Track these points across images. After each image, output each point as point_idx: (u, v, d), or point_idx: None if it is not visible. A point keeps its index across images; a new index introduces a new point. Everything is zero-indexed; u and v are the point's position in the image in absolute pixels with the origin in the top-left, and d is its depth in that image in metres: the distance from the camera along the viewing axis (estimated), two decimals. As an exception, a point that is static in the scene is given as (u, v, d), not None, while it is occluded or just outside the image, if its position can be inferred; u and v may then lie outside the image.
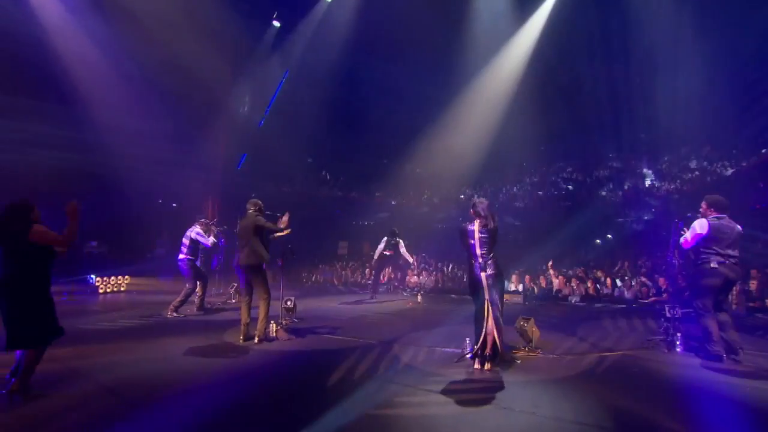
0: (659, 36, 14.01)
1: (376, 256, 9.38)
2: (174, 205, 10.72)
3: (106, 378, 3.76)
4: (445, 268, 12.75)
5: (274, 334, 5.36)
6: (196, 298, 7.23)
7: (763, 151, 9.89)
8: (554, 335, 5.49)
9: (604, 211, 17.59)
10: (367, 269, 12.28)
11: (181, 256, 7.04)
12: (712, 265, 4.17)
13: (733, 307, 7.01)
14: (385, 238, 9.26)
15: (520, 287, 10.25)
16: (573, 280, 9.74)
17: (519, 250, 16.49)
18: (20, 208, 3.25)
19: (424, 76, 16.89)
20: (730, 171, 11.06)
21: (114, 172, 8.96)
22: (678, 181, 15.08)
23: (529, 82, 17.41)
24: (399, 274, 12.16)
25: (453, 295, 10.19)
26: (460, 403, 3.24)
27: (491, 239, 4.08)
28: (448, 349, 4.78)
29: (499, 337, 4.05)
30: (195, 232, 7.05)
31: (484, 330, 4.04)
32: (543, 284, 10.13)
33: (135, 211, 9.59)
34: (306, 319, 6.60)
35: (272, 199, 14.83)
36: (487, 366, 4.01)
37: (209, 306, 7.62)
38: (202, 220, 7.25)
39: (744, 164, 10.83)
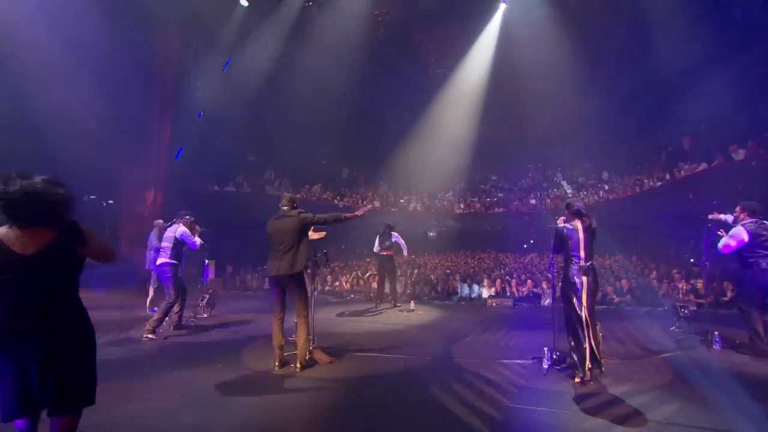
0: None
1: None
2: (111, 202, 8.70)
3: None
4: (409, 272, 12.49)
5: (308, 356, 4.54)
6: (173, 315, 5.92)
7: (696, 164, 11.44)
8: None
9: (536, 218, 19.04)
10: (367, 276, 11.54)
11: (162, 260, 5.71)
12: (762, 266, 4.50)
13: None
14: (378, 236, 8.73)
15: (492, 291, 10.46)
16: (544, 282, 10.18)
17: (462, 253, 17.14)
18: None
19: (376, 79, 16.62)
20: (658, 183, 12.62)
21: (41, 158, 6.93)
22: (601, 192, 16.89)
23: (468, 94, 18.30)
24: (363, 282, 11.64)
25: (436, 301, 10.04)
26: (614, 420, 2.97)
27: (593, 240, 3.91)
28: (518, 361, 4.51)
29: (597, 346, 3.90)
30: (180, 232, 5.75)
31: (585, 339, 3.83)
32: (515, 287, 10.41)
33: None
34: (317, 336, 5.77)
35: (212, 199, 13.31)
36: (587, 376, 3.81)
37: (184, 323, 6.31)
38: (186, 217, 5.96)
39: (668, 177, 12.46)
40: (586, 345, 3.81)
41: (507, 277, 11.14)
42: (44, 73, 7.05)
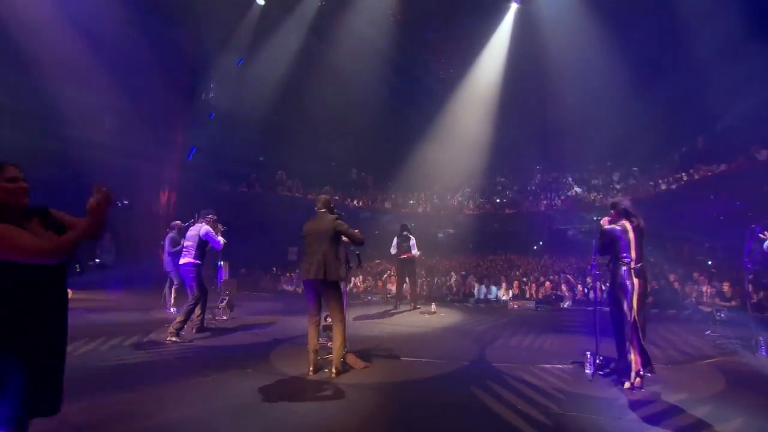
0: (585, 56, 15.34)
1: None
2: (126, 202, 8.58)
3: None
4: (425, 273, 12.35)
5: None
6: (194, 317, 5.79)
7: (715, 165, 11.27)
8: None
9: (547, 219, 18.83)
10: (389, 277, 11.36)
11: (186, 260, 5.59)
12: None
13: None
14: (395, 238, 8.58)
15: (510, 293, 10.28)
16: (563, 285, 10.02)
17: (472, 255, 16.95)
18: None
19: (388, 81, 16.51)
20: (674, 185, 12.43)
21: (58, 157, 6.82)
22: (615, 193, 16.66)
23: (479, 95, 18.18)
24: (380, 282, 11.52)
25: (456, 303, 9.92)
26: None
27: (642, 240, 3.77)
28: (558, 365, 4.37)
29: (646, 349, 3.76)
30: (204, 231, 5.63)
31: (636, 344, 3.67)
32: (534, 289, 10.24)
33: (76, 208, 7.41)
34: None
35: (224, 199, 13.20)
36: (637, 381, 3.66)
37: (205, 325, 6.17)
38: (209, 216, 5.85)
39: (685, 178, 12.26)
40: (637, 350, 3.66)
41: (524, 279, 10.99)
42: (62, 72, 6.95)
